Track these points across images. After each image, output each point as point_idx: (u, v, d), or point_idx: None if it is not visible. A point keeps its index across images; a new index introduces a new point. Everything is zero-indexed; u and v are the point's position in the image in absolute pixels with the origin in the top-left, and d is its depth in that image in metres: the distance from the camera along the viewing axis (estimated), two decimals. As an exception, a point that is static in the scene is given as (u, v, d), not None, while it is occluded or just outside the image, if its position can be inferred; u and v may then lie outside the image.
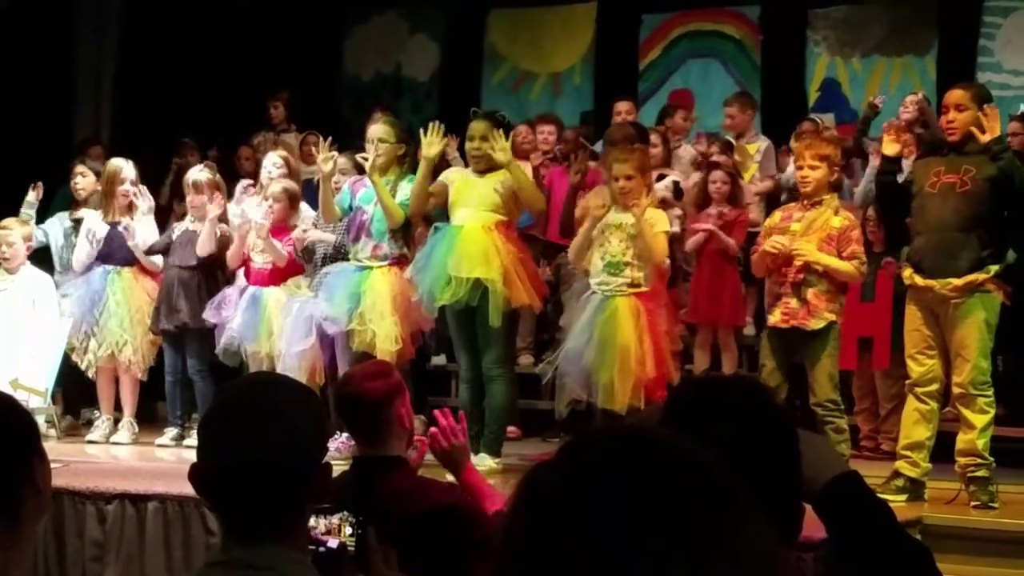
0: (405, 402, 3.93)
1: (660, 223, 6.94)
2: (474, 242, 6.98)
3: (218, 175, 8.45)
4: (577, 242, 7.11)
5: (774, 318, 6.53)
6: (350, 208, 7.53)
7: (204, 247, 8.02)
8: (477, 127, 7.20)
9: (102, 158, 9.71)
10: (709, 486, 1.07)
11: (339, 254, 7.72)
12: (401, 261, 7.37)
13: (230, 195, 8.76)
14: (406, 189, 7.35)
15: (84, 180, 8.97)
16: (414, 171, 7.56)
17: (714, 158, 9.19)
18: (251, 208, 8.21)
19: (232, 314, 7.87)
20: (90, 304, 8.27)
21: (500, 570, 1.08)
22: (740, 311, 8.73)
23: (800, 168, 6.59)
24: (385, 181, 7.36)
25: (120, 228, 8.24)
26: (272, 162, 8.50)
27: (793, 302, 6.45)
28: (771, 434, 1.96)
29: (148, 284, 8.40)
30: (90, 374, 8.41)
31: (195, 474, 2.22)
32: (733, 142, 9.48)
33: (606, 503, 1.04)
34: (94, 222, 8.45)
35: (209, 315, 7.94)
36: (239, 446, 2.16)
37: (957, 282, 6.11)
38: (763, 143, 9.73)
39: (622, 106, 9.83)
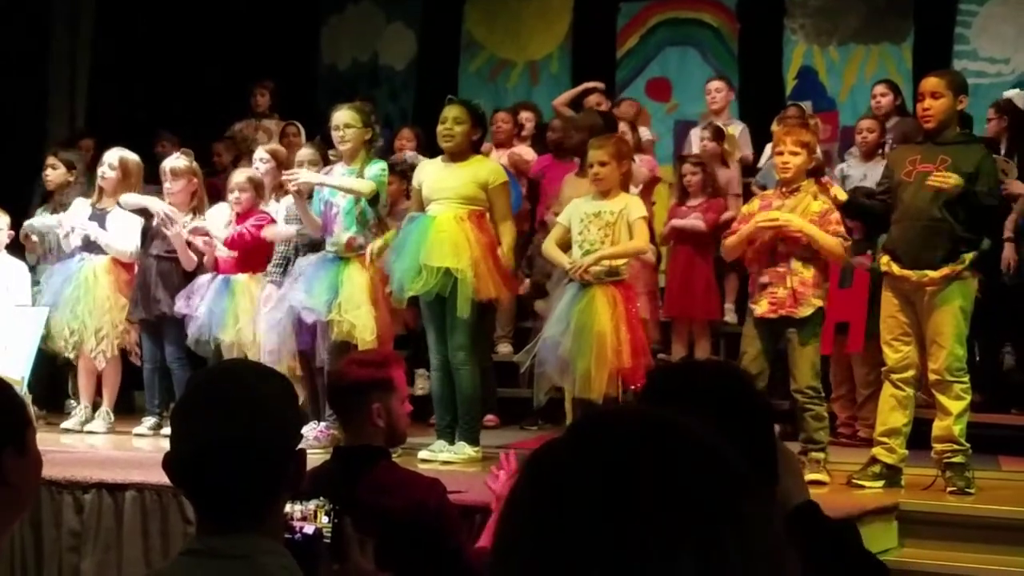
0: (388, 400, 3.90)
1: (636, 210, 6.92)
2: (445, 231, 6.96)
3: (195, 162, 8.42)
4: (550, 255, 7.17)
5: (761, 308, 6.51)
6: (320, 204, 7.47)
7: (188, 263, 8.05)
8: (450, 110, 7.19)
9: (92, 150, 9.67)
10: (724, 471, 1.07)
11: (314, 244, 7.66)
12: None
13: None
14: (373, 168, 7.32)
15: (54, 172, 8.95)
16: (380, 156, 7.60)
17: (705, 143, 9.25)
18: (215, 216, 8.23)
19: (199, 303, 7.86)
20: (61, 292, 8.25)
21: (504, 545, 1.07)
22: (714, 304, 8.77)
23: (780, 154, 6.56)
24: (351, 171, 7.34)
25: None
26: (259, 156, 8.44)
27: (780, 291, 6.45)
28: (746, 418, 1.96)
29: (121, 274, 8.34)
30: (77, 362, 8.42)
31: (169, 462, 2.21)
32: (724, 130, 9.50)
33: (622, 480, 1.03)
34: (82, 210, 8.42)
35: (180, 305, 7.92)
36: (212, 433, 2.15)
37: (934, 275, 6.12)
38: (739, 126, 9.81)
39: (592, 99, 9.88)
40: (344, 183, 7.30)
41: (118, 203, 8.20)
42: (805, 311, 6.43)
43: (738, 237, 6.61)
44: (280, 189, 8.10)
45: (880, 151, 8.64)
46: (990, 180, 6.22)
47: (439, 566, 3.77)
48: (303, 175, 7.39)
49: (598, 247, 6.82)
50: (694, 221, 8.56)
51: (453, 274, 6.88)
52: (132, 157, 8.42)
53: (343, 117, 7.38)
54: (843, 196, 6.45)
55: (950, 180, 6.10)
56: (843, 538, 2.17)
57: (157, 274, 8.09)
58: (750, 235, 6.54)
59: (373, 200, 7.29)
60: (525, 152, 9.70)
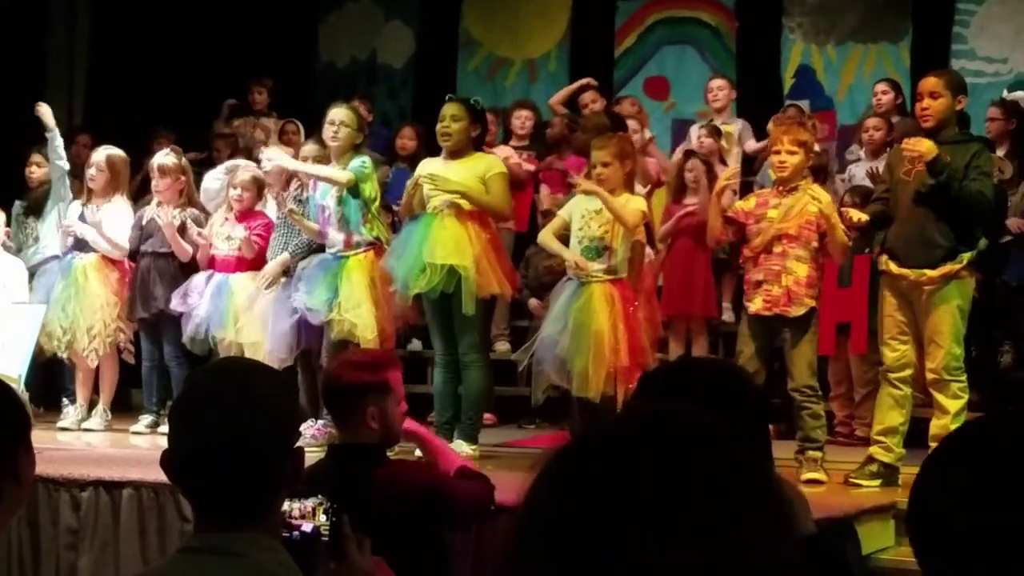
0: (382, 402, 3.89)
1: (635, 203, 6.90)
2: (448, 229, 6.96)
3: (184, 159, 8.42)
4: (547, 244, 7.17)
5: (755, 306, 6.52)
6: (315, 209, 7.48)
7: (182, 254, 8.06)
8: (448, 108, 7.19)
9: (90, 146, 9.69)
10: (725, 469, 1.07)
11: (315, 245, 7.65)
12: (376, 245, 7.34)
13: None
14: (355, 162, 7.30)
15: (39, 170, 8.99)
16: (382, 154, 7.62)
17: (702, 140, 9.26)
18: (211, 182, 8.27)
19: (198, 302, 7.85)
20: (53, 290, 8.25)
21: (520, 542, 1.07)
22: (712, 302, 8.77)
23: (777, 153, 6.57)
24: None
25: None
26: (266, 156, 8.42)
27: (774, 289, 6.46)
28: (742, 414, 1.97)
29: (112, 272, 8.33)
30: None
31: (166, 459, 2.20)
32: (721, 128, 9.52)
33: (622, 480, 1.03)
34: (74, 210, 8.43)
35: (176, 304, 7.91)
36: (210, 430, 2.14)
37: (932, 274, 6.12)
38: (738, 124, 9.82)
39: (587, 96, 9.89)
40: (321, 171, 7.33)
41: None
42: (798, 310, 6.44)
43: (712, 207, 6.71)
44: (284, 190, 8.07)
45: (887, 149, 8.65)
46: (984, 176, 6.20)
47: (443, 545, 3.84)
48: (274, 155, 7.41)
49: (597, 243, 6.80)
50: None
51: (457, 271, 6.88)
52: (119, 154, 8.42)
53: (340, 114, 7.39)
54: (864, 217, 6.41)
55: (921, 146, 6.10)
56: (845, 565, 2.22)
57: (154, 271, 8.09)
58: (719, 195, 6.66)
59: (354, 191, 7.28)
60: (501, 151, 9.66)
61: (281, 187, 8.02)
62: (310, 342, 7.56)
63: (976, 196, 6.11)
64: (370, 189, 7.35)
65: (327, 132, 7.40)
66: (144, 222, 8.19)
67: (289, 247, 7.71)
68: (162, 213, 7.99)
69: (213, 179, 8.52)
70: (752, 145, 9.74)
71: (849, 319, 7.88)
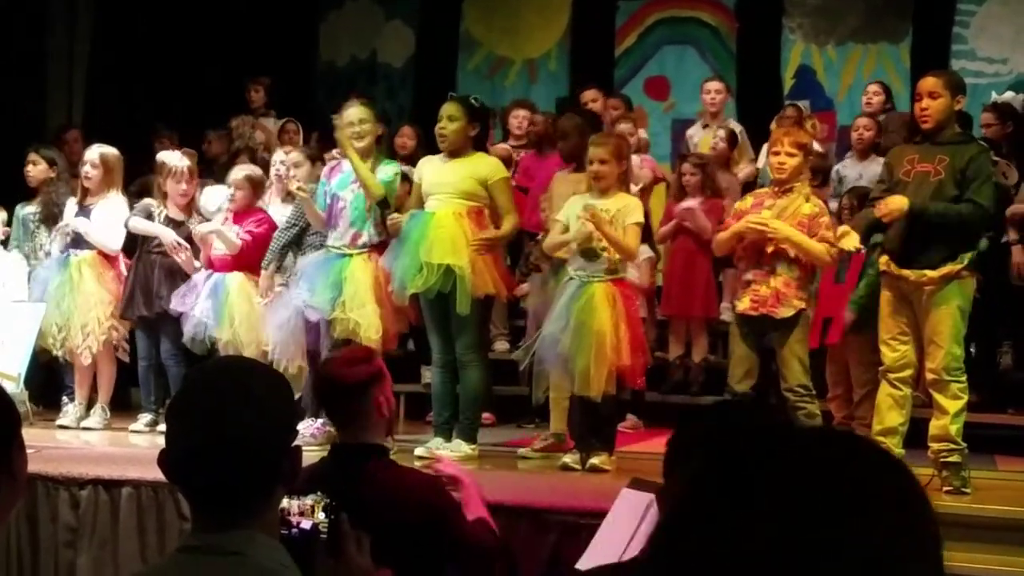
0: (384, 390, 3.92)
1: (632, 215, 6.86)
2: (445, 228, 6.95)
3: (194, 162, 8.45)
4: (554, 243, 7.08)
5: (743, 305, 6.52)
6: (325, 197, 7.44)
7: (191, 270, 8.09)
8: (447, 108, 7.17)
9: (80, 142, 9.67)
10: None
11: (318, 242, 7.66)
12: (380, 248, 7.33)
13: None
14: (386, 170, 7.31)
15: (35, 168, 8.93)
16: (388, 156, 7.59)
17: (717, 143, 9.29)
18: (211, 198, 8.24)
19: (195, 301, 7.85)
20: (48, 288, 8.25)
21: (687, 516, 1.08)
22: (712, 303, 8.78)
23: (776, 154, 6.56)
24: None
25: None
26: (280, 159, 8.39)
27: (762, 289, 6.45)
28: None
29: (107, 270, 8.31)
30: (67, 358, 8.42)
31: (164, 459, 2.21)
32: (739, 135, 9.54)
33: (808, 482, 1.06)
34: (69, 209, 8.43)
35: (176, 303, 7.90)
36: (208, 429, 2.15)
37: (932, 274, 6.11)
38: (737, 128, 9.81)
39: (589, 94, 9.89)
40: (365, 174, 7.20)
41: (125, 224, 8.18)
42: (786, 312, 6.40)
43: (728, 233, 6.60)
44: (291, 195, 8.02)
45: (875, 149, 8.68)
46: (984, 183, 6.20)
47: (443, 555, 3.81)
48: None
49: (595, 243, 6.79)
50: (703, 222, 8.50)
51: (454, 271, 6.88)
52: (112, 151, 8.40)
53: (359, 113, 7.33)
54: (857, 245, 6.39)
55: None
56: None
57: (160, 269, 8.08)
58: (739, 232, 6.53)
59: (381, 202, 7.28)
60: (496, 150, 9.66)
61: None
62: (312, 340, 7.56)
63: (967, 217, 6.11)
64: (392, 199, 7.38)
65: (350, 132, 7.27)
66: (160, 221, 8.16)
67: (304, 248, 7.71)
68: (184, 257, 8.02)
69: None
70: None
71: (832, 314, 7.86)
